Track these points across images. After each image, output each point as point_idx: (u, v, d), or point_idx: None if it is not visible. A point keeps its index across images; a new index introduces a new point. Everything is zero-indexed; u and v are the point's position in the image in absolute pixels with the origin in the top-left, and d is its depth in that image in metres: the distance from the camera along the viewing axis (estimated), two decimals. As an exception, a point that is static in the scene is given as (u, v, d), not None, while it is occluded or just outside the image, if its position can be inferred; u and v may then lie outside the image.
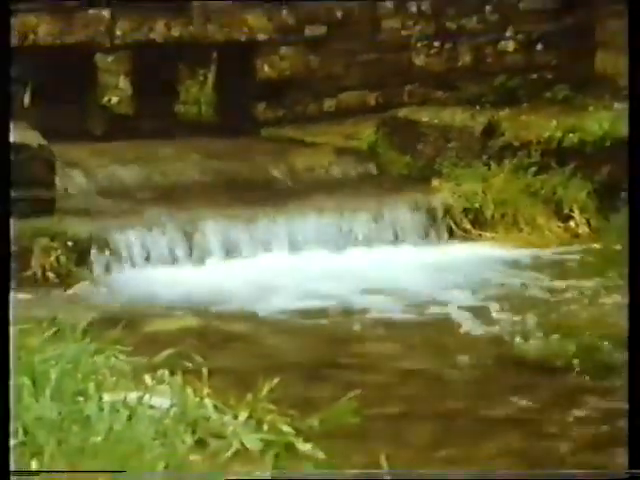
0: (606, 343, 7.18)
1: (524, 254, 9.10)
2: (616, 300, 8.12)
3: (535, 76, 11.38)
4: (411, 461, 5.36)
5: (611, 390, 6.66)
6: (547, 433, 6.00)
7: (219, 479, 4.13)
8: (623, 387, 6.06)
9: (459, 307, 7.99)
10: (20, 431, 4.64)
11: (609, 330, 7.49)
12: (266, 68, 11.06)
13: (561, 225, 9.45)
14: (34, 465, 4.13)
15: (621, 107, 10.53)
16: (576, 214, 9.45)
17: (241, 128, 11.01)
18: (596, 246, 9.24)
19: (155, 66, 11.75)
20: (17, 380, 5.07)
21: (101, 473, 3.99)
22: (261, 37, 10.99)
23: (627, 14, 4.55)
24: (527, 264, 8.95)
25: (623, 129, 9.56)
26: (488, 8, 11.83)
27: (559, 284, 8.42)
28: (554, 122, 10.08)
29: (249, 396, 5.55)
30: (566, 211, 9.46)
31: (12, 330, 5.11)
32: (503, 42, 11.58)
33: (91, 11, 10.79)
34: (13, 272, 8.79)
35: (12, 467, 3.94)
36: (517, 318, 7.73)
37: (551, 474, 4.60)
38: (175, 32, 10.92)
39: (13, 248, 7.57)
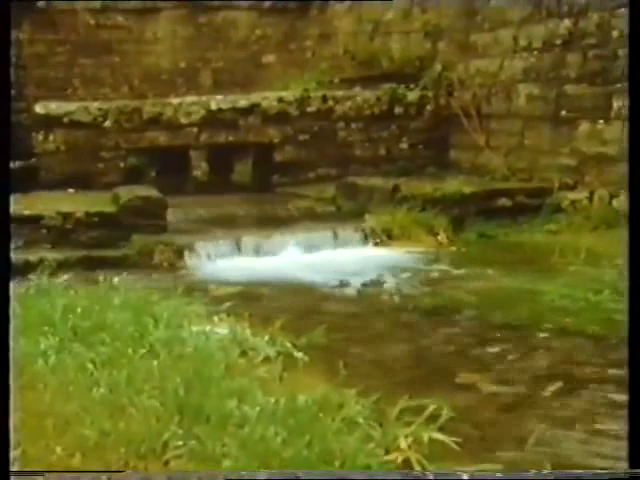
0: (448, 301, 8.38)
1: (413, 253, 10.57)
2: (460, 273, 9.59)
3: (418, 162, 13.72)
4: (353, 357, 6.38)
5: (456, 322, 7.80)
6: (423, 346, 7.10)
7: (219, 479, 3.83)
8: (464, 319, 7.73)
9: (374, 280, 9.26)
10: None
11: (456, 289, 8.88)
12: (279, 157, 13.66)
13: (433, 238, 11.01)
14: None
15: (461, 178, 12.54)
16: (441, 232, 11.01)
17: (268, 187, 13.52)
18: (452, 249, 10.71)
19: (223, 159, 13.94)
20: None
21: (101, 473, 3.78)
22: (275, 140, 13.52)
23: (627, 14, 3.88)
24: (414, 258, 10.35)
25: (465, 190, 11.73)
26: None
27: (429, 267, 9.92)
28: (427, 185, 11.98)
29: (269, 328, 6.63)
30: (436, 231, 11.05)
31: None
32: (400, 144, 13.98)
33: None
34: (144, 263, 9.98)
35: (12, 467, 3.57)
36: (406, 286, 9.07)
37: (551, 474, 4.04)
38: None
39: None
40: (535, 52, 12.51)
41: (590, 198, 11.49)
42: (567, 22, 12.03)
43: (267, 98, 13.71)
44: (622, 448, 4.83)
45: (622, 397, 5.82)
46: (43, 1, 16.00)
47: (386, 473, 4.10)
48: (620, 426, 5.36)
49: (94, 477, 3.75)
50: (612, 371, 6.51)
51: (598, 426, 5.56)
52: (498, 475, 3.94)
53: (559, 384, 6.21)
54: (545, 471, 4.18)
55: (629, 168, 4.00)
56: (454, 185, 12.06)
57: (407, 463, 4.60)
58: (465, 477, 3.82)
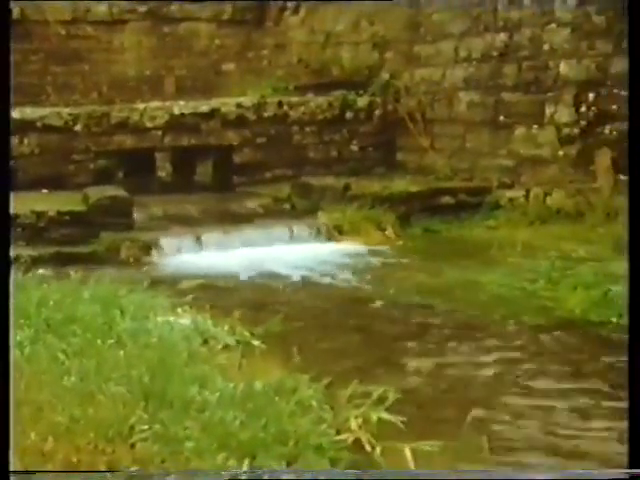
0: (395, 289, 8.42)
1: (362, 247, 10.61)
2: (406, 265, 9.63)
3: (367, 163, 13.66)
4: (307, 345, 6.36)
5: (403, 311, 7.79)
6: (372, 333, 7.17)
7: (220, 478, 3.78)
8: (411, 308, 7.76)
9: (326, 273, 9.36)
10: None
11: (402, 281, 8.90)
12: (238, 159, 13.46)
13: (381, 233, 11.02)
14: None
15: (408, 178, 12.59)
16: (389, 228, 11.01)
17: (228, 187, 13.32)
18: (399, 243, 10.71)
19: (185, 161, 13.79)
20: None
21: (101, 473, 3.73)
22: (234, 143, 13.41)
23: (627, 15, 3.46)
24: (364, 252, 10.36)
25: (411, 188, 11.87)
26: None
27: (377, 260, 9.94)
28: (376, 184, 12.03)
29: (229, 319, 6.62)
30: (384, 227, 11.05)
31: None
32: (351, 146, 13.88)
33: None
34: (112, 259, 9.84)
35: (12, 467, 3.40)
36: (356, 278, 9.11)
37: (552, 474, 4.00)
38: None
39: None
40: (474, 62, 12.61)
41: (526, 196, 11.60)
42: (503, 36, 12.17)
43: (226, 104, 13.64)
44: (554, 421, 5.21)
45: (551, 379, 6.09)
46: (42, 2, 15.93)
47: (382, 473, 4.10)
48: (549, 402, 5.58)
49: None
50: (546, 356, 6.62)
51: (529, 403, 5.66)
52: (498, 475, 3.93)
53: (499, 368, 6.28)
54: (545, 471, 4.11)
55: (629, 167, 3.80)
56: (401, 184, 12.14)
57: (357, 443, 4.64)
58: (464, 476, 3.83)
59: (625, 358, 4.16)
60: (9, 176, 3.83)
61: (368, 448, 4.58)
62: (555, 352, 6.71)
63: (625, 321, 6.70)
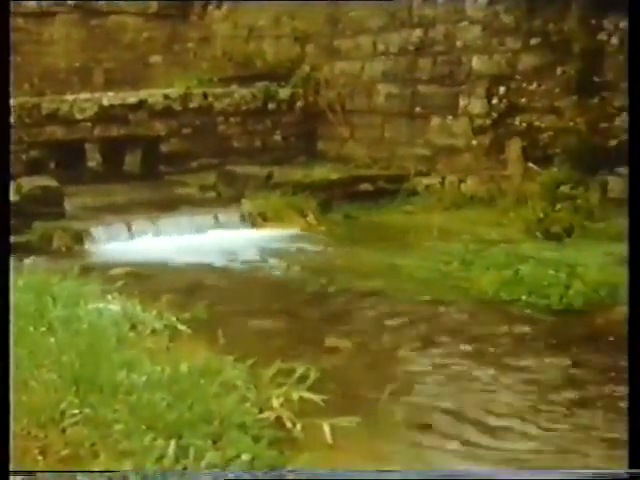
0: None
1: (285, 233, 10.58)
2: (327, 250, 9.69)
3: (290, 152, 13.70)
4: (232, 328, 6.39)
5: (325, 293, 7.89)
6: (295, 315, 7.22)
7: (221, 479, 3.73)
8: (333, 290, 7.82)
9: (250, 259, 9.39)
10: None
11: (324, 264, 8.99)
12: (165, 149, 13.51)
13: (303, 219, 11.00)
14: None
15: (329, 166, 12.60)
16: (310, 214, 11.02)
17: (156, 176, 13.26)
18: (320, 229, 10.69)
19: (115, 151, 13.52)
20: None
21: (100, 473, 3.67)
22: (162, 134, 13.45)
23: (627, 14, 3.37)
24: (287, 238, 10.36)
25: (331, 176, 11.92)
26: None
27: (300, 245, 9.90)
28: (298, 173, 12.03)
29: (157, 304, 6.57)
30: (306, 213, 11.04)
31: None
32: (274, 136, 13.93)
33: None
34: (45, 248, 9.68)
35: (12, 467, 3.33)
36: (279, 262, 9.11)
37: (551, 474, 3.91)
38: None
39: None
40: (391, 56, 12.75)
41: (442, 183, 11.79)
42: (418, 32, 12.33)
43: (154, 95, 13.63)
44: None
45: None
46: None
47: (384, 473, 4.02)
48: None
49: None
50: (461, 333, 6.77)
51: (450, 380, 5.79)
52: (497, 475, 3.87)
53: (416, 345, 6.42)
54: (545, 471, 4.08)
55: (630, 168, 3.68)
56: (322, 172, 12.20)
57: (279, 420, 4.69)
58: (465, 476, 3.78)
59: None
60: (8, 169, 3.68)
61: (289, 425, 4.63)
62: (464, 328, 6.89)
63: (533, 299, 7.28)
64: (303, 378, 5.10)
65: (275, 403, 4.80)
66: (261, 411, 4.67)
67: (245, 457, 3.91)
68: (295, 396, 4.93)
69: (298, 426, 4.64)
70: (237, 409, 4.49)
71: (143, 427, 4.00)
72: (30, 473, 3.58)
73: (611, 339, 6.51)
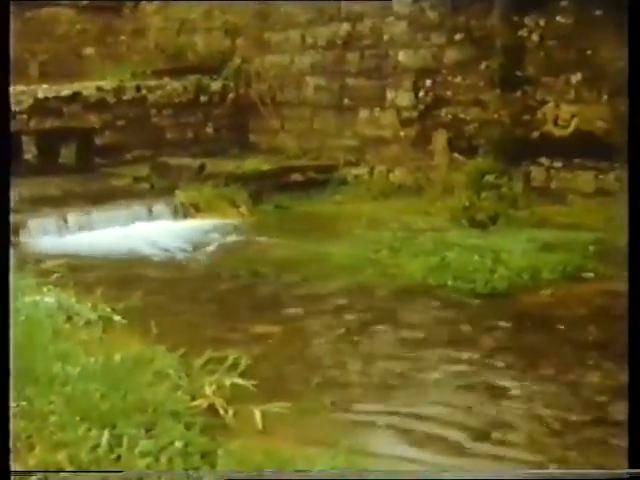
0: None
1: (218, 224, 10.50)
2: (259, 240, 9.60)
3: (222, 144, 13.59)
4: (165, 318, 6.29)
5: (257, 282, 7.88)
6: (227, 304, 7.24)
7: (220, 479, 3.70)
8: (265, 279, 7.81)
9: (183, 249, 9.33)
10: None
11: (256, 254, 8.97)
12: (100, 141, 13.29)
13: (235, 210, 11.00)
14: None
15: (260, 157, 12.54)
16: (242, 205, 11.02)
17: (90, 168, 12.98)
18: (252, 219, 10.67)
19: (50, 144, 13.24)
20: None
21: (100, 473, 3.62)
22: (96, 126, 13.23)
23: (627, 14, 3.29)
24: (219, 228, 10.27)
25: (263, 167, 11.90)
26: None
27: (232, 236, 9.88)
28: (230, 164, 12.04)
29: (91, 296, 6.48)
30: (238, 204, 11.03)
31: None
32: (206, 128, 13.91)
33: None
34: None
35: (12, 467, 3.28)
36: (211, 253, 9.12)
37: (551, 474, 3.79)
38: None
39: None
40: (320, 50, 12.79)
41: (370, 173, 11.88)
42: (346, 26, 12.38)
43: (88, 87, 13.47)
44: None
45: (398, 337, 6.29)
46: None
47: (382, 473, 3.99)
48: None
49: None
50: (390, 318, 6.84)
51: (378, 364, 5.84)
52: (497, 475, 3.84)
53: (344, 331, 6.48)
54: (545, 471, 4.02)
55: (629, 167, 3.58)
56: (253, 163, 12.19)
57: (212, 407, 4.71)
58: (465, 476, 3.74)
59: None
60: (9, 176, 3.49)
61: (221, 412, 4.64)
62: (393, 313, 6.99)
63: (459, 284, 7.42)
64: (235, 365, 5.11)
65: (207, 390, 4.80)
66: (194, 399, 4.68)
67: (178, 444, 3.92)
68: (227, 383, 4.94)
69: (230, 412, 4.66)
70: (170, 397, 4.49)
71: (78, 418, 3.97)
72: (30, 473, 3.55)
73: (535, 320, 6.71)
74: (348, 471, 3.88)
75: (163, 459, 3.78)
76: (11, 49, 3.43)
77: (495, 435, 4.69)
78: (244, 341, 6.05)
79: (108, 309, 6.29)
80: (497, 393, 5.30)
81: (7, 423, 3.17)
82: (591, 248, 8.49)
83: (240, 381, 5.02)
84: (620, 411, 4.89)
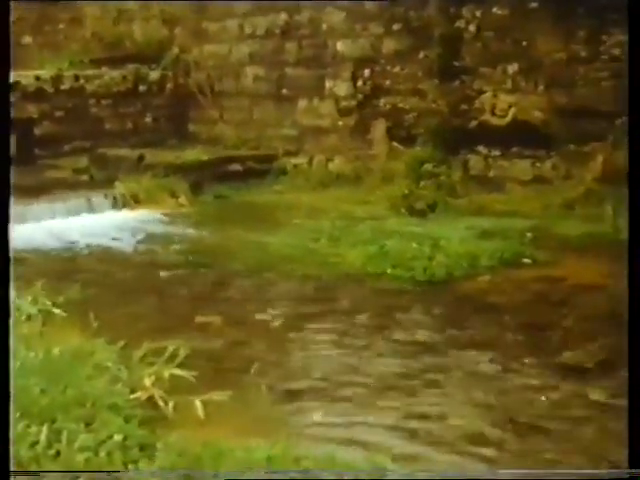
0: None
1: (158, 215, 10.48)
2: (197, 227, 9.65)
3: (161, 134, 13.49)
4: (105, 310, 6.19)
5: (198, 272, 7.85)
6: (167, 295, 7.18)
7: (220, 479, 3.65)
8: (206, 269, 7.75)
9: (123, 241, 9.25)
10: None
11: (196, 244, 8.92)
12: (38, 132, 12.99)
13: (175, 201, 10.97)
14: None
15: (199, 148, 12.42)
16: (182, 196, 10.98)
17: (29, 160, 12.41)
18: (192, 210, 10.67)
19: None
20: None
21: (101, 473, 3.60)
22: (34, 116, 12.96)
23: (627, 13, 3.30)
24: (159, 219, 10.27)
25: (202, 157, 11.83)
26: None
27: (172, 226, 9.86)
28: (169, 154, 12.00)
29: (31, 290, 6.36)
30: (177, 194, 10.94)
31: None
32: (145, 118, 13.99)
33: None
34: None
35: (12, 467, 3.21)
36: (151, 244, 9.03)
37: (551, 474, 3.80)
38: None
39: None
40: (258, 39, 12.76)
41: (309, 162, 11.90)
42: (284, 15, 12.35)
43: (26, 77, 13.24)
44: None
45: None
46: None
47: (383, 473, 3.93)
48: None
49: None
50: (329, 307, 6.89)
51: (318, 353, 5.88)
52: (497, 475, 3.84)
53: (283, 320, 6.49)
54: (546, 471, 4.00)
55: (629, 167, 3.51)
56: (192, 154, 12.17)
57: (151, 400, 4.69)
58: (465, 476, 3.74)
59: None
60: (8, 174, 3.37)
61: (161, 404, 4.62)
62: (332, 302, 7.03)
63: (398, 272, 7.48)
64: (173, 356, 5.08)
65: (147, 382, 4.78)
66: (133, 391, 4.66)
67: (117, 438, 3.90)
68: (166, 374, 4.91)
69: (170, 404, 4.63)
70: (109, 390, 4.48)
71: (18, 414, 3.91)
72: (30, 473, 3.54)
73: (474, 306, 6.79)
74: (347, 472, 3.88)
75: (102, 453, 3.77)
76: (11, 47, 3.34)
77: (430, 421, 4.78)
78: (184, 332, 5.98)
79: (48, 302, 6.21)
80: (432, 380, 5.38)
81: (7, 423, 3.15)
82: (528, 235, 8.64)
83: (179, 372, 4.99)
84: (557, 390, 5.04)
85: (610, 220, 8.70)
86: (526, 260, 7.89)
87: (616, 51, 9.83)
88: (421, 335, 6.18)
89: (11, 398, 3.21)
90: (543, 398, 4.98)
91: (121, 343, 5.29)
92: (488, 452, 4.31)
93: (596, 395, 5.02)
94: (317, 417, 4.79)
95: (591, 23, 9.88)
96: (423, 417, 4.77)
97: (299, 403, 5.01)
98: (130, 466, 3.72)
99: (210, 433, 4.30)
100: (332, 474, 3.82)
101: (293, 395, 5.11)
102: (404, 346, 5.94)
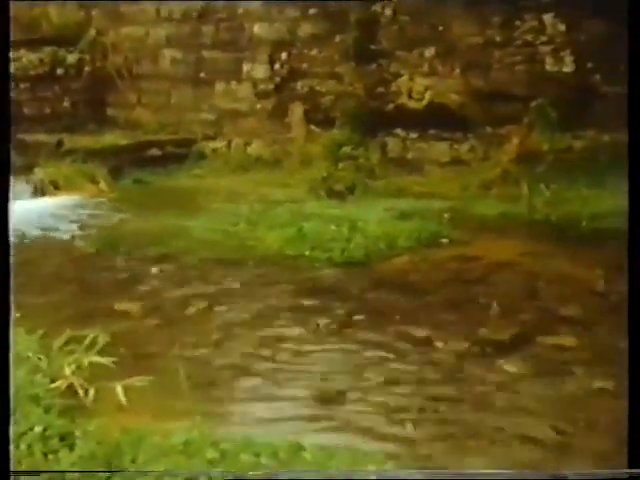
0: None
1: (77, 200, 10.31)
2: (118, 213, 9.55)
3: (79, 119, 13.29)
4: (23, 299, 5.71)
5: (115, 259, 7.81)
6: (88, 283, 7.11)
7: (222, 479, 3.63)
8: (124, 255, 7.65)
9: (43, 228, 9.07)
10: None
11: (115, 230, 8.83)
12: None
13: (95, 186, 10.85)
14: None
15: (118, 132, 12.43)
16: (102, 181, 10.86)
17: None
18: (112, 195, 10.53)
19: None
20: None
21: (101, 473, 3.57)
22: None
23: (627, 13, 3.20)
24: (79, 205, 10.14)
25: (121, 142, 11.80)
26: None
27: (92, 212, 9.68)
28: (88, 139, 11.77)
29: None
30: (97, 180, 10.81)
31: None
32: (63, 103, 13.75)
33: None
34: None
35: (12, 467, 3.16)
36: (71, 229, 8.94)
37: (551, 474, 3.70)
38: None
39: None
40: (175, 22, 12.67)
41: (228, 146, 11.88)
42: (201, -2, 12.35)
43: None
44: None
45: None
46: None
47: (384, 473, 3.95)
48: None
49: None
50: (246, 289, 6.92)
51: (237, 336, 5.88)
52: (495, 474, 3.83)
53: (203, 304, 6.50)
54: (545, 471, 3.99)
55: (629, 167, 3.54)
56: (111, 138, 12.12)
57: (71, 388, 4.67)
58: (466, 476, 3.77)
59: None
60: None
61: (81, 392, 4.61)
62: (249, 285, 7.04)
63: (317, 253, 7.57)
64: (93, 344, 5.07)
65: (67, 371, 4.77)
66: (53, 381, 4.65)
67: (37, 429, 3.90)
68: (86, 362, 4.90)
69: (91, 392, 4.64)
70: (30, 380, 4.48)
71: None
72: (30, 473, 3.51)
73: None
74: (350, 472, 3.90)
75: (23, 446, 3.76)
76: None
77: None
78: (104, 319, 5.98)
79: (-34, 294, 6.11)
80: (354, 357, 5.49)
81: (7, 423, 3.12)
82: (446, 215, 8.80)
83: (99, 359, 4.98)
84: (475, 363, 5.20)
85: (526, 200, 8.90)
86: (444, 240, 8.04)
87: (529, 36, 10.02)
88: (339, 314, 6.26)
89: (11, 398, 3.20)
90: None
91: (40, 332, 5.26)
92: (401, 430, 4.44)
93: (510, 367, 5.20)
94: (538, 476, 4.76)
95: (505, 9, 10.09)
96: (339, 395, 4.88)
97: (218, 386, 5.05)
98: (50, 456, 3.69)
99: (128, 419, 4.33)
100: (333, 475, 3.88)
101: (212, 379, 5.14)
102: (323, 326, 6.03)
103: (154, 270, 7.47)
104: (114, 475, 3.54)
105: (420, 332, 5.81)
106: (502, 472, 3.82)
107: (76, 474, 3.55)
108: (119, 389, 4.63)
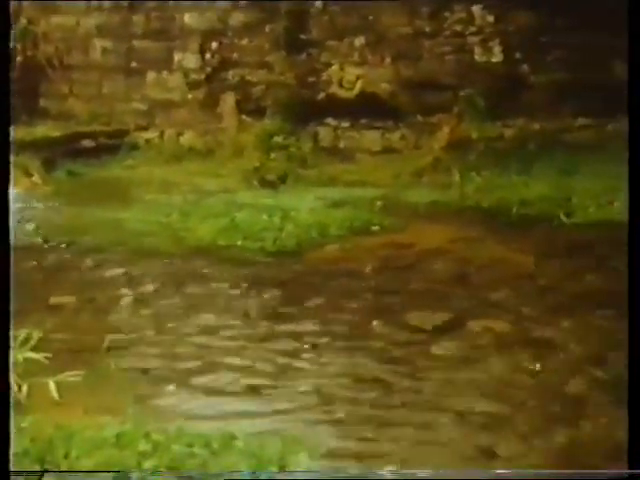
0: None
1: (12, 192, 10.72)
2: (52, 206, 9.46)
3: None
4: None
5: (52, 251, 7.78)
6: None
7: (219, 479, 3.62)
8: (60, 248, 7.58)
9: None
10: None
11: (48, 222, 8.74)
12: None
13: (28, 179, 10.41)
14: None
15: (50, 123, 12.30)
16: (35, 174, 10.57)
17: None
18: (46, 188, 10.32)
19: None
20: None
21: (99, 473, 3.56)
22: None
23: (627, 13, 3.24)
24: (13, 199, 10.57)
25: (53, 134, 11.65)
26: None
27: (26, 205, 9.41)
28: (20, 131, 10.54)
29: None
30: (31, 172, 10.55)
31: None
32: None
33: None
34: None
35: (12, 467, 3.16)
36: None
37: (551, 474, 3.75)
38: None
39: None
40: (105, 12, 12.57)
41: (161, 137, 11.85)
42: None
43: None
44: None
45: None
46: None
47: (381, 473, 3.90)
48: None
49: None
50: (177, 280, 6.86)
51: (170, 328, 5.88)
52: (495, 474, 3.84)
53: (135, 296, 6.48)
54: (545, 471, 3.98)
55: (629, 164, 3.38)
56: (44, 130, 11.97)
57: (5, 384, 4.65)
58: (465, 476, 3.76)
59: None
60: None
61: (15, 388, 4.47)
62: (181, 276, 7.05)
63: (249, 243, 7.60)
64: (27, 339, 4.94)
65: (1, 367, 4.75)
66: (-13, 378, 4.62)
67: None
68: (20, 358, 4.75)
69: (24, 388, 4.53)
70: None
71: None
72: (30, 473, 3.48)
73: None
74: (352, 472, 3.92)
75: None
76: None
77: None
78: (38, 314, 5.96)
79: None
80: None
81: (7, 423, 3.12)
82: (378, 204, 8.89)
83: (33, 355, 4.84)
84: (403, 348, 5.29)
85: (457, 187, 9.03)
86: (375, 228, 8.10)
87: (458, 27, 10.16)
88: (271, 303, 6.34)
89: (11, 398, 3.20)
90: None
91: (-28, 328, 5.21)
92: (339, 411, 4.56)
93: (439, 350, 5.31)
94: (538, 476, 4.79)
95: (434, 0, 10.14)
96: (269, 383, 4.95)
97: (150, 380, 5.06)
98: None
99: (62, 415, 4.34)
100: (332, 474, 3.88)
101: (144, 372, 5.16)
102: (249, 315, 6.11)
103: (88, 263, 7.41)
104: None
105: (349, 319, 5.91)
106: (504, 472, 3.86)
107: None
108: (52, 385, 4.53)
